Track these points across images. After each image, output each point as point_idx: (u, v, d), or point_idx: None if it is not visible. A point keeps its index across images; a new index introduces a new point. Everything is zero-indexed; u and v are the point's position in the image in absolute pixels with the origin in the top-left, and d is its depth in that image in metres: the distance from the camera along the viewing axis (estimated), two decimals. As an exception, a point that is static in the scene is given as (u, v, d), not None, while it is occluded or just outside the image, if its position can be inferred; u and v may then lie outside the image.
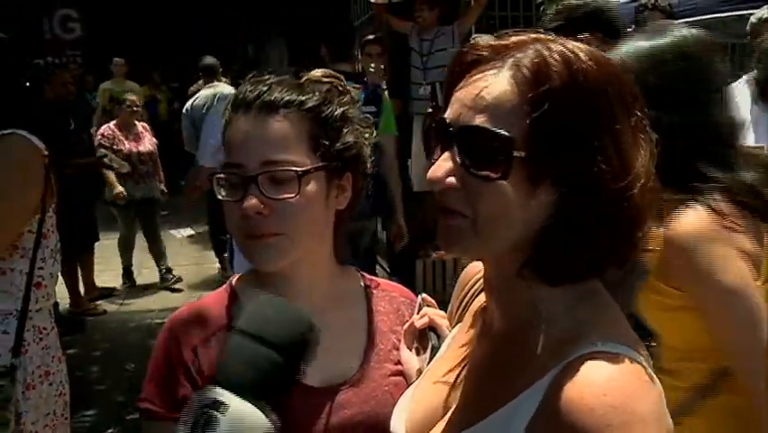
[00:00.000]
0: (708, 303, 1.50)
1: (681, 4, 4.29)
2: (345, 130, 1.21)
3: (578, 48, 0.87)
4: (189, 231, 9.15)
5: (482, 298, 1.06)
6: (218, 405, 0.88)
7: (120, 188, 6.53)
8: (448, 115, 0.90)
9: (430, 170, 0.89)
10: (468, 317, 1.11)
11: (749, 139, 3.49)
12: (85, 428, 4.26)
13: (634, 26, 3.96)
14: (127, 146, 6.73)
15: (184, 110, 6.68)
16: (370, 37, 6.11)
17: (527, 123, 0.84)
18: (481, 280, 1.07)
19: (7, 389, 2.17)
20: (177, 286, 7.02)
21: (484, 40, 0.92)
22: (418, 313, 1.28)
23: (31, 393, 2.25)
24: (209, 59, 6.97)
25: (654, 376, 0.85)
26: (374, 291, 1.33)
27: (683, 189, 1.46)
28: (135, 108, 7.02)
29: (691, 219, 1.47)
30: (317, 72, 1.26)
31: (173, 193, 7.17)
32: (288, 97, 1.17)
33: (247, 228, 1.15)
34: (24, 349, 2.25)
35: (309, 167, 1.15)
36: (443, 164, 0.88)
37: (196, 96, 6.70)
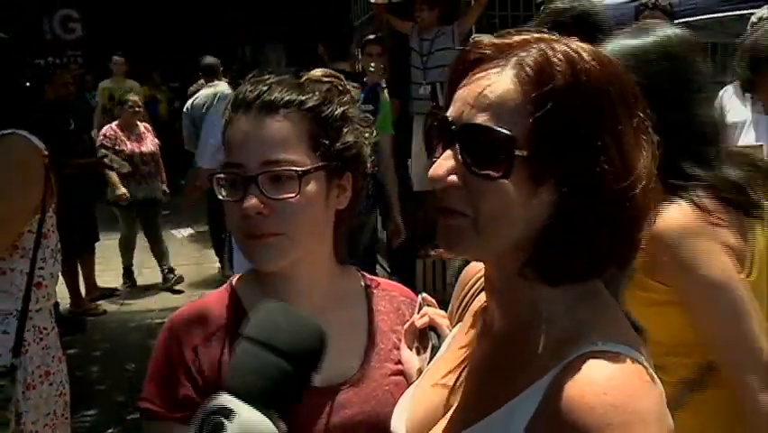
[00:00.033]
0: (693, 297, 1.52)
1: (681, 4, 4.29)
2: (345, 129, 1.20)
3: (581, 48, 0.87)
4: (189, 231, 9.16)
5: (483, 297, 1.06)
6: (226, 412, 0.88)
7: (123, 190, 6.52)
8: (450, 113, 0.90)
9: (431, 169, 0.89)
10: (468, 317, 1.11)
11: (749, 138, 3.49)
12: (85, 427, 4.26)
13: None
14: (129, 147, 6.72)
15: (184, 109, 6.69)
16: (371, 37, 6.11)
17: (530, 122, 0.83)
18: (482, 280, 1.07)
19: (7, 389, 2.17)
20: (177, 286, 7.02)
21: (487, 38, 0.92)
22: (419, 312, 1.28)
23: (31, 393, 2.25)
24: (210, 59, 6.98)
25: (655, 376, 0.85)
26: (374, 291, 1.33)
27: (667, 187, 1.48)
28: (137, 109, 7.01)
29: (676, 215, 1.48)
30: (317, 72, 1.25)
31: (173, 193, 7.17)
32: (288, 97, 1.17)
33: (247, 228, 1.15)
34: (25, 349, 2.25)
35: (309, 167, 1.15)
36: (444, 162, 0.88)
37: (196, 95, 6.71)
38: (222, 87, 6.45)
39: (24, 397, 2.23)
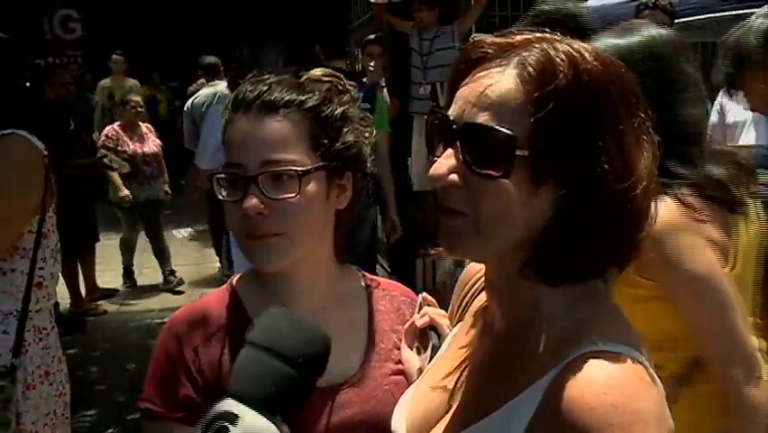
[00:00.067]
0: (678, 291, 1.55)
1: (681, 4, 4.28)
2: (345, 129, 1.20)
3: (583, 48, 0.87)
4: (190, 230, 9.15)
5: (483, 297, 1.06)
6: (231, 417, 0.88)
7: (125, 192, 6.50)
8: (451, 112, 0.90)
9: (432, 168, 0.89)
10: (468, 317, 1.11)
11: (749, 138, 3.49)
12: (85, 427, 4.26)
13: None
14: (131, 147, 6.70)
15: (185, 108, 6.69)
16: (371, 37, 6.11)
17: (531, 122, 0.83)
18: (482, 280, 1.07)
19: (8, 389, 2.17)
20: (177, 286, 7.02)
21: (489, 37, 0.91)
22: (419, 312, 1.28)
23: (31, 393, 2.25)
24: (211, 58, 7.00)
25: (656, 377, 0.85)
26: (375, 291, 1.33)
27: None
28: (140, 109, 7.00)
29: (661, 212, 1.51)
30: (317, 71, 1.25)
31: (174, 193, 7.17)
32: (288, 97, 1.17)
33: (247, 228, 1.15)
34: (24, 349, 2.25)
35: (309, 167, 1.15)
36: (445, 161, 0.88)
37: (196, 94, 6.71)
38: (222, 86, 6.46)
39: (24, 397, 2.23)
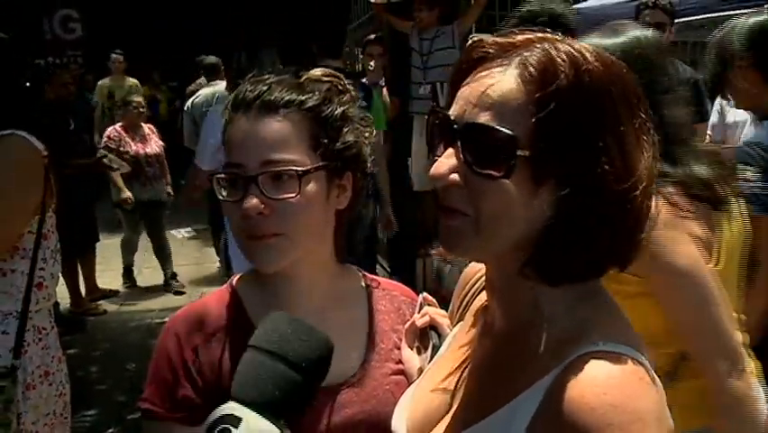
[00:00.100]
0: (662, 286, 1.57)
1: (681, 3, 4.28)
2: (345, 129, 1.20)
3: (584, 48, 0.87)
4: (190, 230, 9.15)
5: (483, 297, 1.06)
6: (234, 420, 0.88)
7: (127, 193, 6.48)
8: (452, 111, 0.90)
9: (432, 167, 0.89)
10: (469, 317, 1.11)
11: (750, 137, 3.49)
12: (85, 427, 4.26)
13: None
14: (134, 148, 6.68)
15: (185, 108, 6.69)
16: (372, 37, 6.12)
17: (532, 122, 0.83)
18: (482, 280, 1.07)
19: (9, 390, 2.17)
20: (178, 286, 7.02)
21: (491, 37, 0.91)
22: (419, 312, 1.28)
23: (30, 393, 2.25)
24: (211, 58, 7.00)
25: (656, 377, 0.85)
26: (375, 290, 1.32)
27: None
28: (142, 110, 6.98)
29: None
30: (317, 71, 1.25)
31: (174, 193, 7.16)
32: (287, 97, 1.17)
33: (248, 228, 1.14)
34: (24, 350, 2.25)
35: (310, 167, 1.15)
36: (445, 161, 0.88)
37: (196, 94, 6.71)
38: (222, 86, 6.46)
39: (24, 397, 2.23)
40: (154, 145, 6.88)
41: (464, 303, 1.16)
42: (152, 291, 7.02)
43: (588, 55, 0.86)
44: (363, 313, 1.29)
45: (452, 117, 0.89)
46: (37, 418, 2.27)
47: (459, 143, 0.87)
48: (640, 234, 0.89)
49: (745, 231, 1.78)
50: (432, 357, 1.18)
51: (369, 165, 1.26)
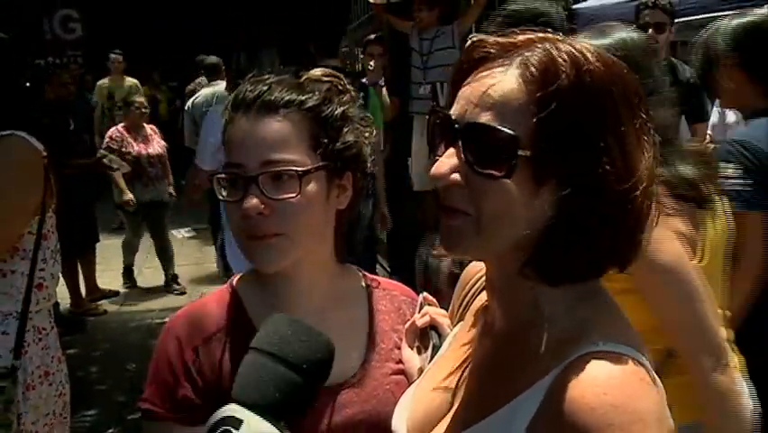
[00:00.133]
0: (647, 283, 1.57)
1: (681, 3, 4.28)
2: (346, 129, 1.20)
3: (585, 48, 0.87)
4: (190, 230, 9.15)
5: (483, 297, 1.06)
6: (235, 422, 0.88)
7: (129, 196, 6.47)
8: (454, 111, 0.90)
9: (433, 167, 0.89)
10: (469, 317, 1.11)
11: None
12: (85, 427, 4.26)
13: (635, 25, 3.96)
14: (136, 148, 6.67)
15: (186, 107, 6.69)
16: (372, 37, 6.12)
17: (534, 122, 0.83)
18: (482, 279, 1.07)
19: (9, 390, 2.17)
20: (178, 286, 7.02)
21: (492, 37, 0.91)
22: (419, 312, 1.28)
23: (30, 394, 2.25)
24: (213, 59, 7.01)
25: (657, 378, 0.85)
26: (375, 290, 1.32)
27: None
28: (144, 110, 6.97)
29: None
30: (317, 71, 1.25)
31: (176, 193, 7.15)
32: (288, 97, 1.17)
33: (248, 228, 1.14)
34: (24, 350, 2.25)
35: (310, 167, 1.15)
36: (446, 161, 0.88)
37: (197, 94, 6.72)
38: (222, 86, 6.47)
39: (24, 397, 2.23)
40: (156, 146, 6.86)
41: (464, 303, 1.16)
42: (153, 292, 7.02)
43: (589, 55, 0.86)
44: (363, 313, 1.29)
45: (453, 117, 0.89)
46: (37, 418, 2.27)
47: (460, 143, 0.87)
48: (640, 234, 0.89)
49: (729, 229, 1.81)
50: (432, 357, 1.18)
51: (369, 165, 1.26)
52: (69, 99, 6.45)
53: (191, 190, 5.69)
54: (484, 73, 0.88)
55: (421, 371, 1.18)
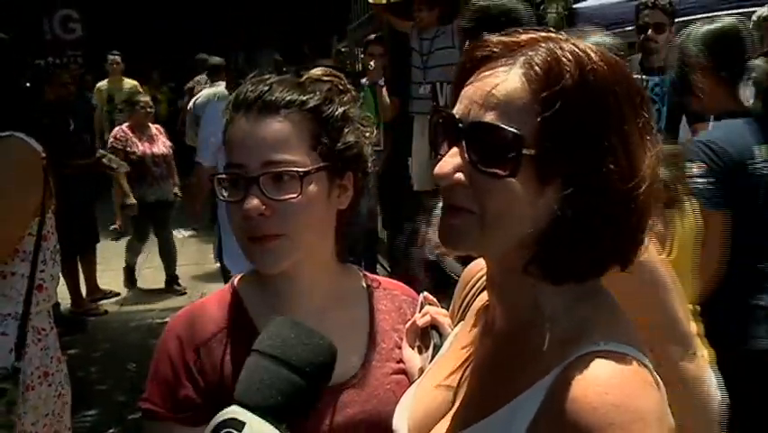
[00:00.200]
0: (615, 274, 1.60)
1: (681, 3, 4.28)
2: (346, 129, 1.20)
3: (589, 48, 0.88)
4: (191, 230, 9.14)
5: (484, 296, 1.06)
6: (237, 424, 0.88)
7: (133, 201, 6.46)
8: (457, 110, 0.90)
9: (437, 166, 0.89)
10: (470, 316, 1.11)
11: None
12: (86, 427, 4.26)
13: (635, 25, 3.96)
14: (140, 148, 6.66)
15: (188, 107, 6.70)
16: (372, 37, 6.12)
17: (538, 121, 0.84)
18: (483, 279, 1.07)
19: (11, 392, 2.16)
20: (178, 286, 7.02)
21: (495, 36, 0.92)
22: (420, 311, 1.28)
23: (30, 394, 2.25)
24: (216, 59, 7.03)
25: (658, 378, 0.85)
26: (376, 290, 1.32)
27: None
28: (149, 110, 6.96)
29: None
30: (318, 71, 1.25)
31: (182, 193, 7.14)
32: (288, 97, 1.17)
33: (249, 229, 1.14)
34: (24, 351, 2.25)
35: (311, 167, 1.15)
36: (450, 160, 0.88)
37: (199, 94, 6.73)
38: (223, 86, 6.48)
39: (24, 398, 2.23)
40: (161, 145, 6.85)
41: (465, 302, 1.16)
42: (153, 292, 7.02)
43: (592, 54, 0.86)
44: (364, 313, 1.29)
45: (456, 116, 0.89)
46: (36, 418, 2.27)
47: (464, 143, 0.87)
48: (642, 232, 0.90)
49: (697, 227, 1.88)
50: (433, 356, 1.18)
51: (369, 165, 1.26)
52: (69, 99, 6.44)
53: (192, 197, 5.68)
54: (487, 73, 0.88)
55: (422, 370, 1.18)
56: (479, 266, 1.14)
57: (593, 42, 1.69)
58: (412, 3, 5.78)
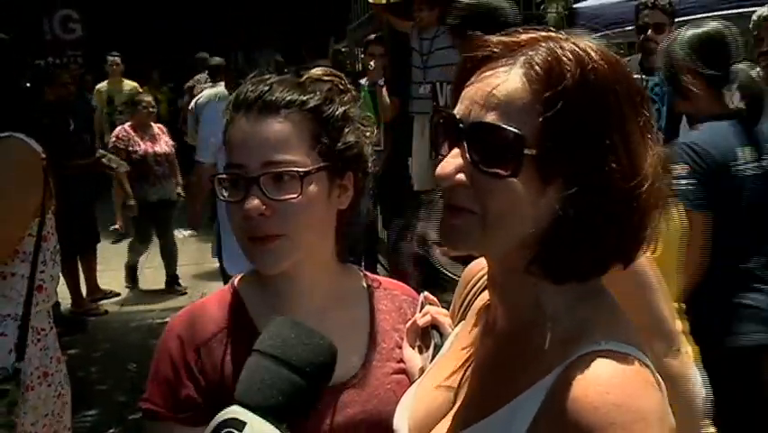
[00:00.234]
0: (609, 278, 1.62)
1: (681, 3, 4.28)
2: (347, 129, 1.20)
3: (589, 47, 0.87)
4: (191, 230, 9.12)
5: (485, 296, 1.06)
6: (238, 424, 0.88)
7: (133, 202, 6.46)
8: (458, 111, 0.90)
9: (438, 167, 0.89)
10: (471, 316, 1.11)
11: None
12: (86, 428, 4.26)
13: (634, 25, 3.97)
14: (143, 147, 6.65)
15: (189, 107, 6.70)
16: (372, 37, 6.12)
17: (539, 121, 0.84)
18: (484, 278, 1.07)
19: (13, 393, 2.16)
20: (179, 286, 7.01)
21: (495, 36, 0.92)
22: (420, 311, 1.28)
23: (29, 394, 2.24)
24: (217, 59, 7.04)
25: (660, 379, 0.85)
26: (376, 290, 1.32)
27: None
28: (151, 109, 6.96)
29: None
30: (318, 71, 1.25)
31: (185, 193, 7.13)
32: (289, 97, 1.17)
33: (249, 229, 1.14)
34: (24, 352, 2.24)
35: (311, 167, 1.15)
36: (451, 161, 0.88)
37: (200, 94, 6.74)
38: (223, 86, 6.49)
39: (23, 398, 2.22)
40: (164, 144, 6.84)
41: (466, 302, 1.16)
42: (153, 291, 7.01)
43: (593, 54, 0.86)
44: (365, 313, 1.29)
45: (457, 117, 0.89)
46: (36, 419, 2.27)
47: (465, 143, 0.87)
48: (645, 231, 0.90)
49: (682, 228, 1.89)
50: (433, 356, 1.18)
51: (370, 165, 1.26)
52: (69, 99, 6.44)
53: (198, 193, 5.68)
54: (488, 73, 0.88)
55: (422, 370, 1.18)
56: (479, 266, 1.14)
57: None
58: (412, 3, 5.78)
